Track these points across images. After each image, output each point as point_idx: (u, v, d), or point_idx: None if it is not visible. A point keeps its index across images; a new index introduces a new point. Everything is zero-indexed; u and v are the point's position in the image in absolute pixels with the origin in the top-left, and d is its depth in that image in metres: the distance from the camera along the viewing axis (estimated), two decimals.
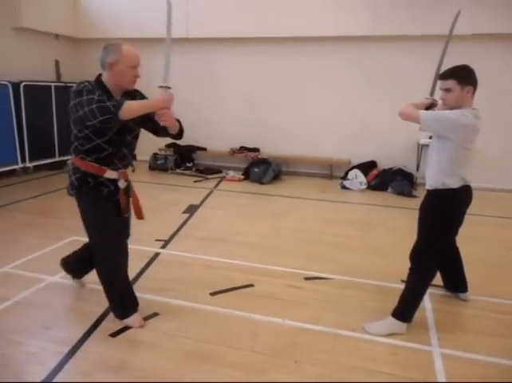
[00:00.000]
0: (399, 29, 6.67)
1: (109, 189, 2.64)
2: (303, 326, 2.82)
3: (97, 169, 2.58)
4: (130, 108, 2.34)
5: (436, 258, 2.78)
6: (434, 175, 2.69)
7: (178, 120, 2.69)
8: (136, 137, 2.77)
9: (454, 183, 2.63)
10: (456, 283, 3.21)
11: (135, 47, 2.54)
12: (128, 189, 2.79)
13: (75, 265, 3.14)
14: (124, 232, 2.79)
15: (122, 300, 2.77)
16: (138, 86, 2.66)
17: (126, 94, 2.59)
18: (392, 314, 2.77)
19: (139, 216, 2.88)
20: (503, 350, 2.60)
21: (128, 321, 2.74)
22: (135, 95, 2.67)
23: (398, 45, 6.93)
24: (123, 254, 2.72)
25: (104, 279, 2.73)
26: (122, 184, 2.68)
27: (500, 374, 2.40)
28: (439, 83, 2.68)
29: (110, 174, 2.62)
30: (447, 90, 2.61)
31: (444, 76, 2.62)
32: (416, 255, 2.80)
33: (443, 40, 3.06)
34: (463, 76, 2.58)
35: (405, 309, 2.77)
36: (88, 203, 2.65)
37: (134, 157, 2.87)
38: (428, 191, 2.78)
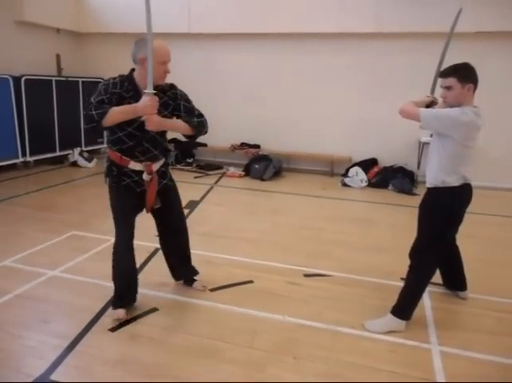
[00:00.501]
0: (402, 26, 6.64)
1: (132, 180, 2.70)
2: (302, 323, 2.82)
3: (120, 159, 2.66)
4: (113, 115, 2.42)
5: (436, 256, 2.78)
6: (434, 173, 2.69)
7: (198, 123, 2.73)
8: (162, 133, 2.78)
9: (454, 182, 2.62)
10: (455, 281, 3.21)
11: (166, 42, 2.54)
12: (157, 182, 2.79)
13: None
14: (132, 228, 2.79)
15: (119, 291, 2.80)
16: None
17: (156, 89, 2.53)
18: (391, 312, 2.78)
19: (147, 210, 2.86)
20: (502, 349, 2.60)
21: (115, 311, 2.78)
22: (165, 90, 2.67)
23: (399, 42, 6.91)
24: (129, 245, 2.76)
25: (112, 265, 2.80)
26: (146, 177, 2.72)
27: (499, 373, 2.40)
28: (440, 81, 2.67)
29: (134, 165, 2.68)
30: (448, 88, 2.60)
31: (444, 74, 2.61)
32: (416, 253, 2.80)
33: (444, 37, 3.04)
34: (464, 74, 2.57)
35: (404, 307, 2.77)
36: (110, 191, 2.75)
37: (164, 151, 2.86)
38: (428, 189, 2.77)
